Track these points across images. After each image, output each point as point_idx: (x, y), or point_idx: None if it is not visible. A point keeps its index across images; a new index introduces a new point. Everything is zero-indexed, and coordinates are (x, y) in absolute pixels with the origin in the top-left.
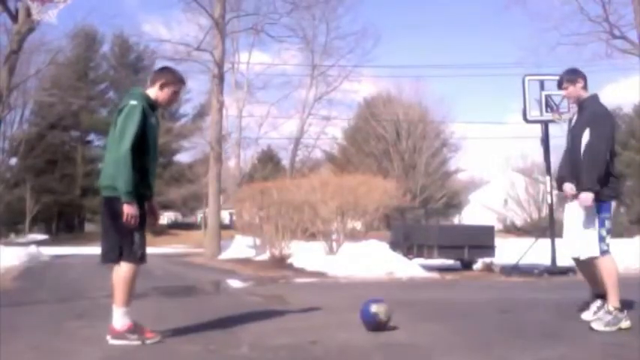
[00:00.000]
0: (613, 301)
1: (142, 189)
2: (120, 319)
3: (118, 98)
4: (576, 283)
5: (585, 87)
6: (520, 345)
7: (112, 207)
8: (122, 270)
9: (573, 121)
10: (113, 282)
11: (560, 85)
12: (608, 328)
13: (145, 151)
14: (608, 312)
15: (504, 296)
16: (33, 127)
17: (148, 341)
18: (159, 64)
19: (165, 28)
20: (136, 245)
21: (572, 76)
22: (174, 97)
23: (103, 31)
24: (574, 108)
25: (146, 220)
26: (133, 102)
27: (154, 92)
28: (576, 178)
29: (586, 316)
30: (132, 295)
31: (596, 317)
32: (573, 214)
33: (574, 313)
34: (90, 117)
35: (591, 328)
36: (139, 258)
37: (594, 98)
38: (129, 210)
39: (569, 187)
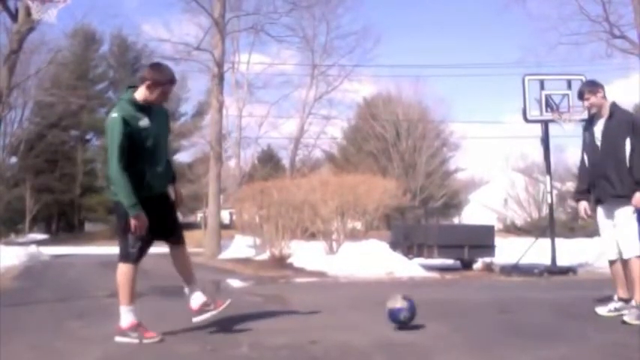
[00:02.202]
0: None
1: (142, 192)
2: (122, 316)
3: (117, 98)
4: (576, 283)
5: (605, 96)
6: (520, 345)
7: (114, 209)
8: (119, 270)
9: (599, 128)
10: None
11: (581, 97)
12: (638, 322)
13: (138, 155)
14: (637, 307)
15: (504, 296)
16: (33, 126)
17: (146, 340)
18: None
19: (164, 28)
20: (131, 247)
21: (593, 87)
22: (164, 97)
23: (102, 31)
24: (578, 113)
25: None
26: (113, 115)
27: (141, 93)
28: (620, 182)
29: (600, 310)
30: (133, 294)
31: (627, 312)
32: (610, 215)
33: (574, 313)
34: (89, 116)
35: (623, 321)
36: (134, 259)
37: (617, 105)
38: (135, 222)
39: (583, 207)
